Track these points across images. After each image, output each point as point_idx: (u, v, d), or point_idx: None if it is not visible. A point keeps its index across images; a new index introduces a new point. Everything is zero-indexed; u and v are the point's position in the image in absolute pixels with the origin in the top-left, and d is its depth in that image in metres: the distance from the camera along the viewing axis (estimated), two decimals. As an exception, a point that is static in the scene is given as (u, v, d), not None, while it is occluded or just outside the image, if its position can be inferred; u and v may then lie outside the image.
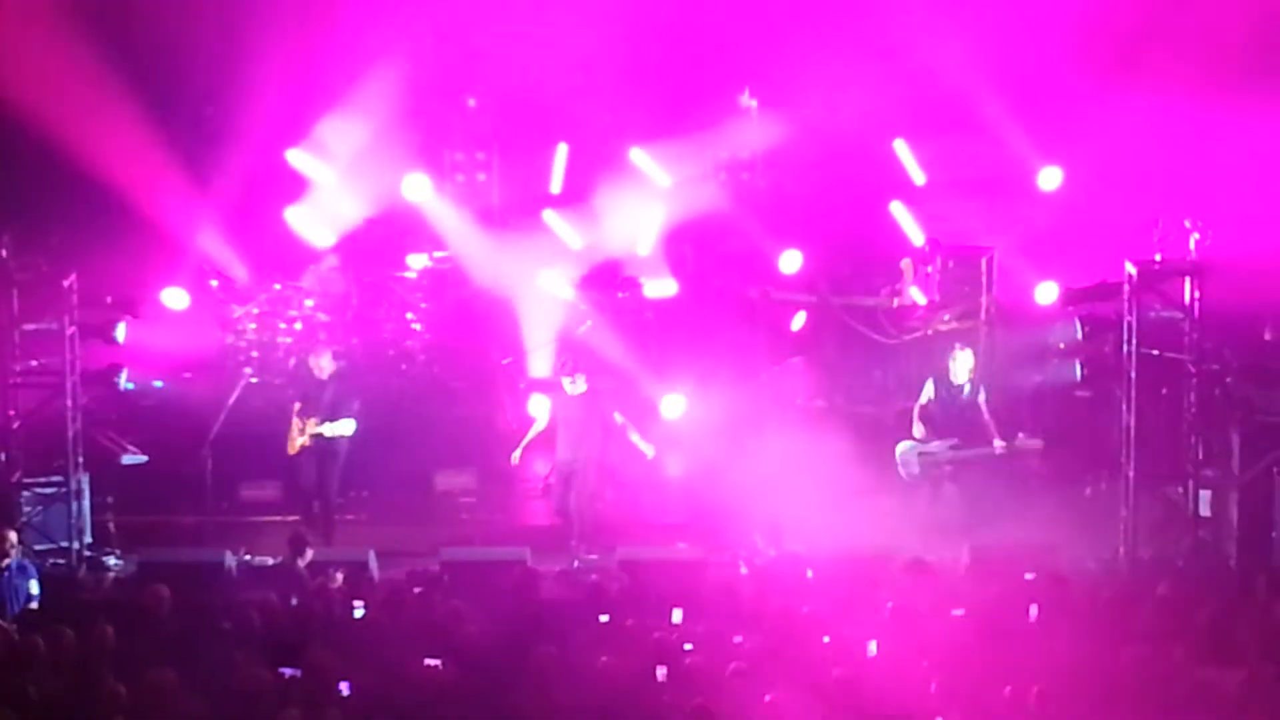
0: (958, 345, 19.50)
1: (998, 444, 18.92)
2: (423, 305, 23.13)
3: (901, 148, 23.11)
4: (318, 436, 19.09)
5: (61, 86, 21.60)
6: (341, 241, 23.05)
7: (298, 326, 22.38)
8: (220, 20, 22.45)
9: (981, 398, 19.19)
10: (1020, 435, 19.06)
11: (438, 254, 23.60)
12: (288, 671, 13.65)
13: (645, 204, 23.38)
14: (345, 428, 19.06)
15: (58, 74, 21.44)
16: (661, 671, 13.64)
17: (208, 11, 22.42)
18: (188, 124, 22.82)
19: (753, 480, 19.29)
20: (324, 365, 19.57)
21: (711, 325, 22.14)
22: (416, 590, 16.25)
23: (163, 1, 22.09)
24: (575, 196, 23.60)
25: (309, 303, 22.53)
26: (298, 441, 19.22)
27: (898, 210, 22.84)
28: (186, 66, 22.46)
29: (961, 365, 19.16)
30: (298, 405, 19.35)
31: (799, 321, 22.96)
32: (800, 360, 22.49)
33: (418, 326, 23.00)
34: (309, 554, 16.93)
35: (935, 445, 18.99)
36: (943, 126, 22.74)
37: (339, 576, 16.24)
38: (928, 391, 19.24)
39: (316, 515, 19.34)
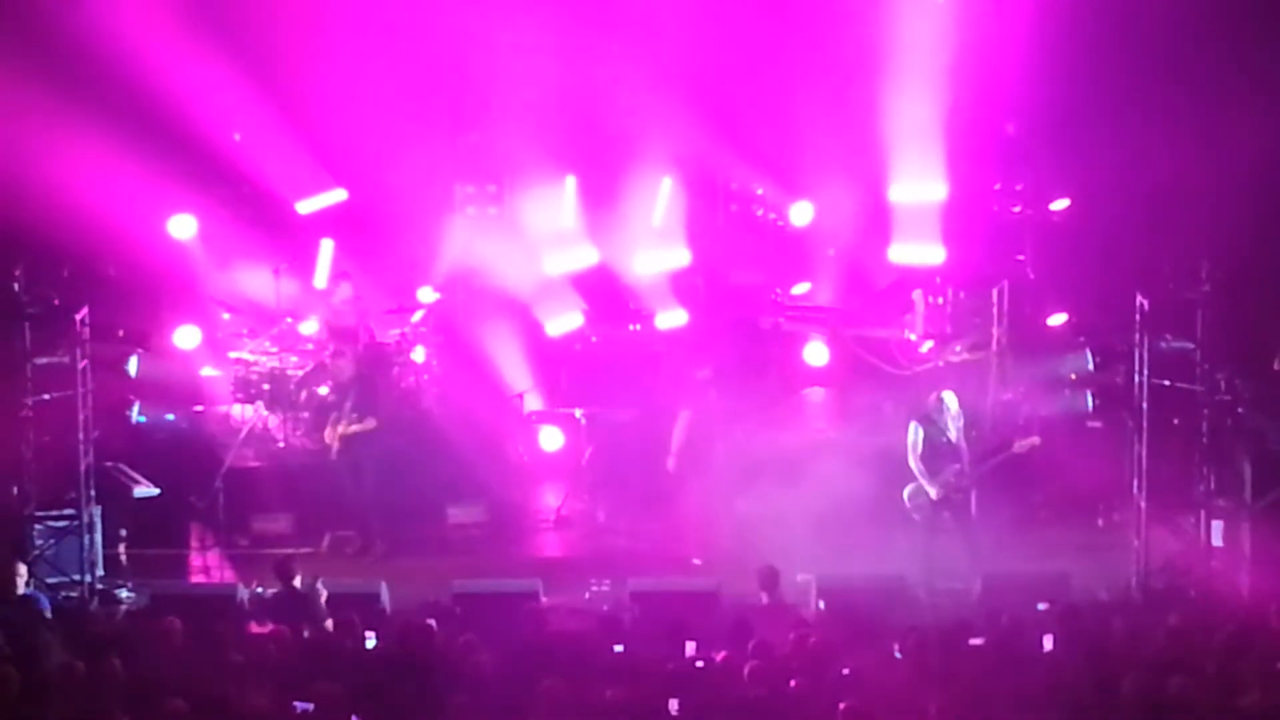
0: (941, 393, 18.82)
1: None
2: (434, 338, 23.14)
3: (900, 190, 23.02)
4: (348, 439, 19.58)
5: (71, 122, 21.71)
6: (352, 275, 23.14)
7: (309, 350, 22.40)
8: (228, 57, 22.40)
9: (961, 426, 18.85)
10: (1015, 441, 18.84)
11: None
12: (299, 705, 13.62)
13: (654, 233, 23.44)
14: (368, 424, 19.52)
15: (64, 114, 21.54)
16: (674, 704, 13.61)
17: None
18: (204, 155, 22.84)
19: (764, 510, 19.27)
20: (344, 368, 20.08)
21: (723, 356, 22.11)
22: (429, 622, 16.21)
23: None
24: (587, 226, 23.65)
25: (313, 331, 22.58)
26: (334, 447, 19.78)
27: (900, 252, 22.76)
28: (198, 99, 22.46)
29: (951, 411, 18.76)
30: (334, 415, 19.86)
31: (811, 352, 22.97)
32: (812, 391, 22.48)
33: (427, 356, 22.98)
34: (298, 579, 16.97)
35: (942, 478, 18.65)
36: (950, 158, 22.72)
37: (323, 591, 16.27)
38: (916, 437, 18.61)
39: (371, 530, 19.77)
